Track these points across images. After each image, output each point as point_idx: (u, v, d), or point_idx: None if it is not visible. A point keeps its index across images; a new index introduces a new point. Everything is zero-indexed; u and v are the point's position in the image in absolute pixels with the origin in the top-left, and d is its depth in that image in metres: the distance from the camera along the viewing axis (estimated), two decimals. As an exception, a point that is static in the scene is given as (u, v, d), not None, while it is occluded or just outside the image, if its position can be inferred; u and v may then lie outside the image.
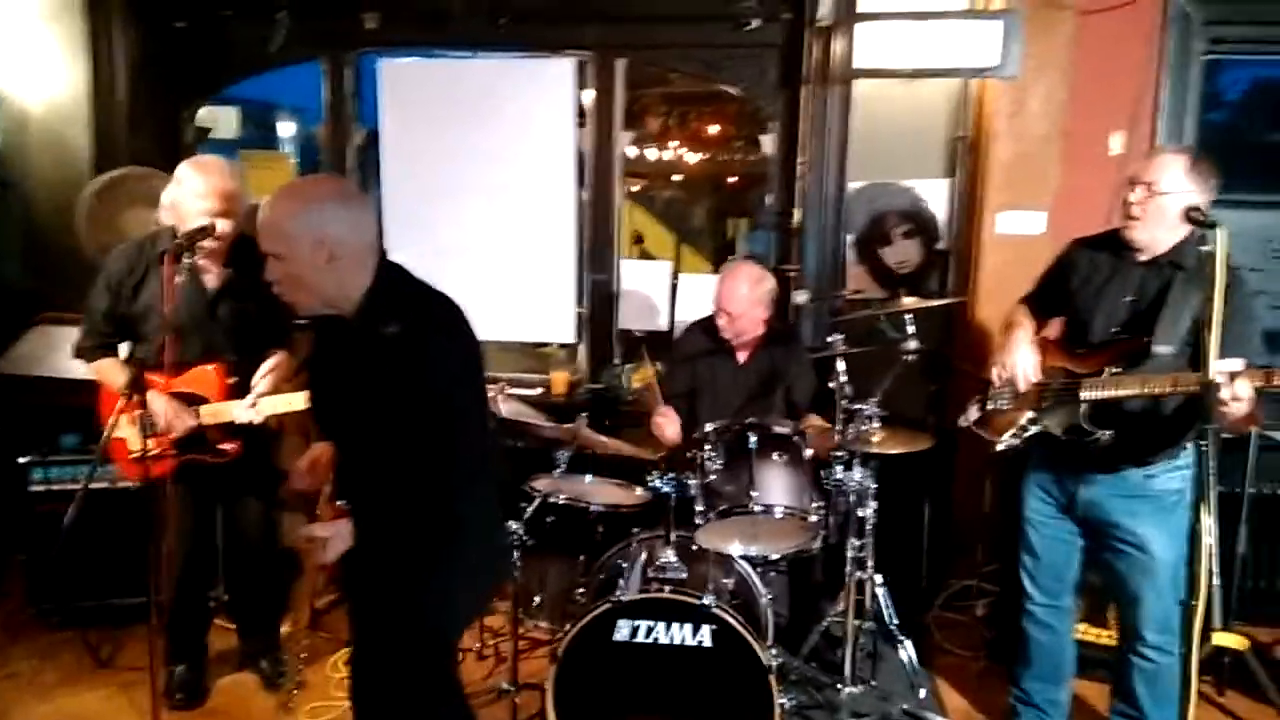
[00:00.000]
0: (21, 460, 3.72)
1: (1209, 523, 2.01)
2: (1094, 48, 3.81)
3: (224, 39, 4.55)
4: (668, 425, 3.45)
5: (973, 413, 3.01)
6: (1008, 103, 3.85)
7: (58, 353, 4.02)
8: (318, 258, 2.04)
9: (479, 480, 2.21)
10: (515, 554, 3.03)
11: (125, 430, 2.91)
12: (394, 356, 2.05)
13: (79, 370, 3.42)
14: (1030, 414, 2.83)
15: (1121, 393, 2.56)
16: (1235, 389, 2.30)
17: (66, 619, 3.72)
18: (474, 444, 2.19)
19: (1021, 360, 2.81)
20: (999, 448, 2.87)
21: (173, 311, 2.62)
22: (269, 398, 3.10)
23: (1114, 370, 2.62)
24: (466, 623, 2.69)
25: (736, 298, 3.43)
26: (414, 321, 2.09)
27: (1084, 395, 2.64)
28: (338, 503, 2.20)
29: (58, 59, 4.39)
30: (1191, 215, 2.45)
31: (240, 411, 3.09)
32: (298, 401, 3.05)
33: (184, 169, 3.00)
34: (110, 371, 3.08)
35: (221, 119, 5.38)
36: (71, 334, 4.05)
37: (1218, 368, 2.18)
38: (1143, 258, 2.68)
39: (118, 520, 3.52)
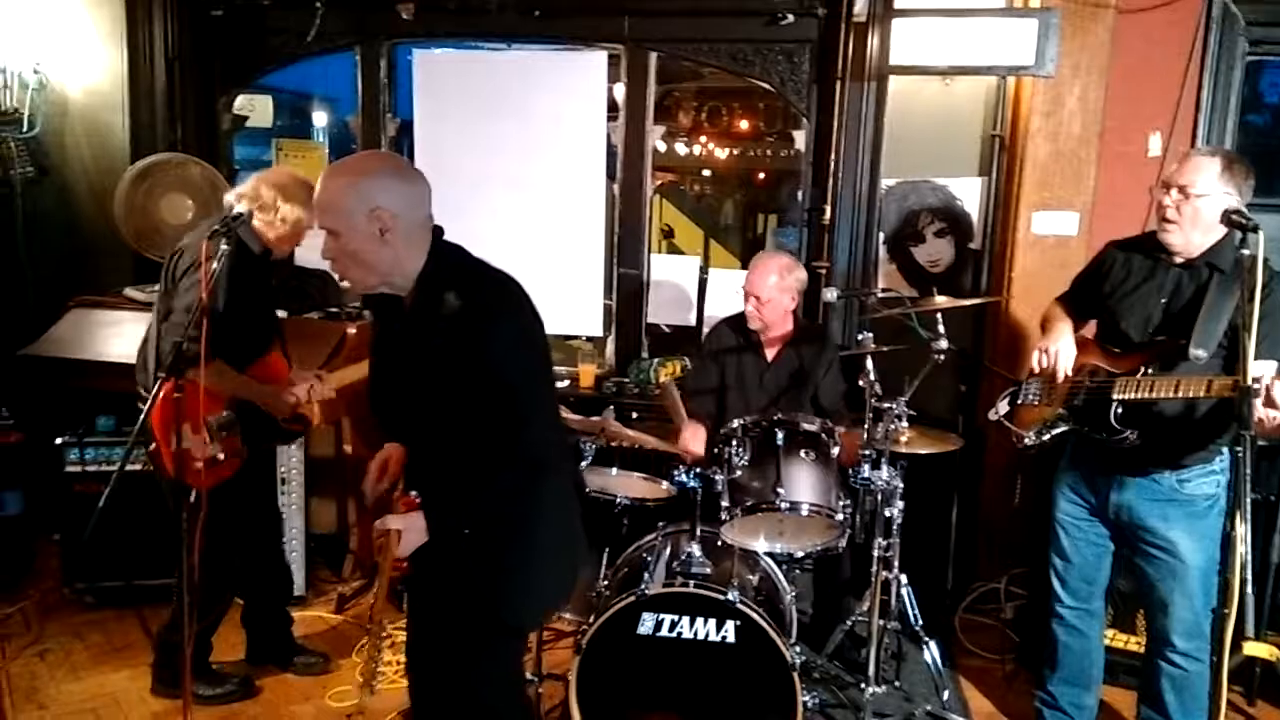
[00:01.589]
0: (58, 441, 3.77)
1: (1243, 530, 1.97)
2: (1133, 47, 3.76)
3: (261, 27, 4.59)
4: (694, 441, 3.45)
5: (1002, 407, 2.99)
6: (1044, 101, 3.81)
7: (93, 336, 4.09)
8: (370, 231, 2.01)
9: (551, 466, 2.14)
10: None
11: (187, 440, 2.89)
12: (452, 334, 2.00)
13: (113, 353, 3.48)
14: (1060, 411, 2.81)
15: (1155, 394, 2.53)
16: (1273, 393, 2.27)
17: (100, 598, 3.79)
18: (543, 428, 2.12)
19: (1062, 349, 2.78)
20: (1026, 443, 2.85)
21: (210, 297, 2.64)
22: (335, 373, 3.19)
23: (1148, 371, 2.59)
24: (545, 615, 2.63)
25: (765, 285, 3.44)
26: (471, 299, 2.04)
27: (1117, 395, 2.61)
28: (410, 495, 2.11)
29: (97, 46, 4.45)
30: (1231, 219, 2.41)
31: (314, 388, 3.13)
32: (357, 372, 3.14)
33: (306, 193, 2.95)
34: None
35: (258, 107, 5.42)
36: (107, 317, 4.16)
37: (1253, 371, 2.15)
38: (1179, 260, 2.65)
39: (152, 502, 3.56)
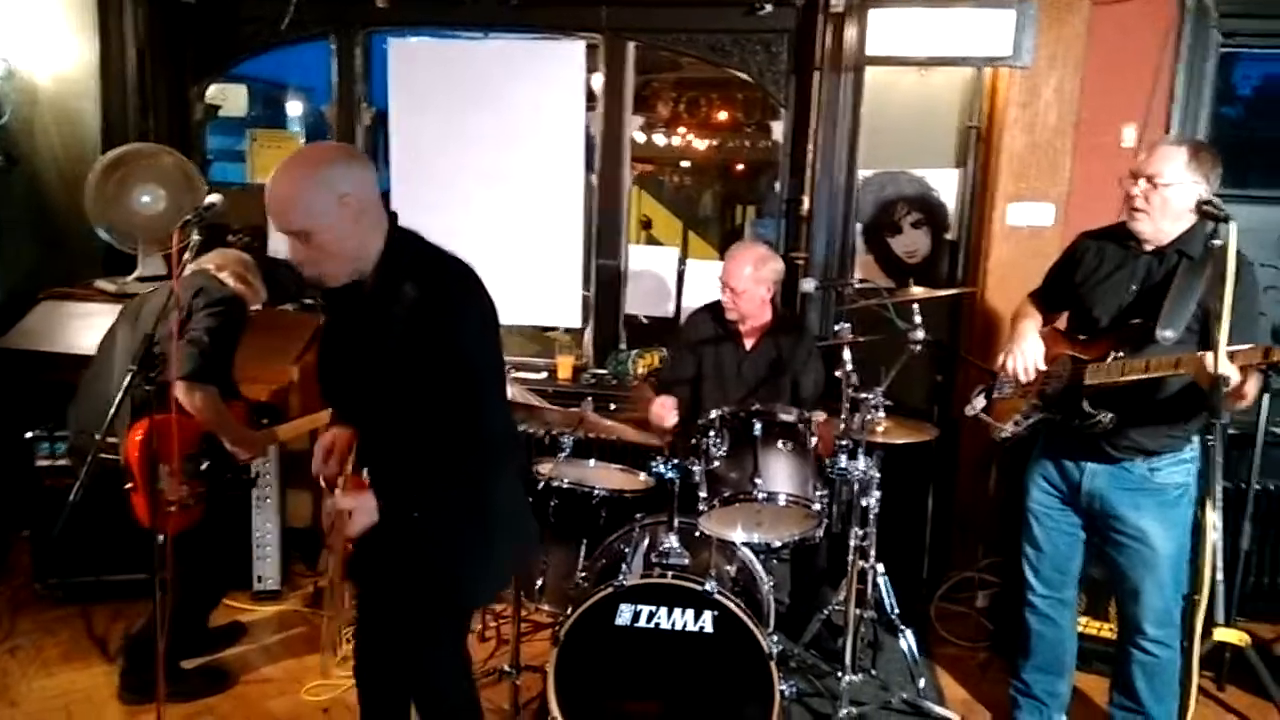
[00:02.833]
0: (28, 435, 3.72)
1: (1214, 518, 2.00)
2: (1108, 38, 3.79)
3: (234, 15, 4.54)
4: (668, 414, 3.45)
5: (978, 402, 3.01)
6: (1020, 93, 3.83)
7: (64, 328, 4.04)
8: (343, 218, 2.01)
9: (505, 448, 2.22)
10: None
11: (163, 481, 2.89)
12: (417, 321, 2.03)
13: (85, 345, 3.44)
14: (1034, 401, 2.83)
15: (1126, 377, 2.55)
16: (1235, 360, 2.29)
17: (70, 594, 3.74)
18: (500, 414, 2.20)
19: (1028, 349, 2.81)
20: (1002, 435, 2.88)
21: (181, 288, 2.61)
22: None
23: (1118, 355, 2.61)
24: (493, 593, 2.70)
25: (740, 275, 3.44)
26: (437, 286, 2.07)
27: (1088, 380, 2.63)
28: (359, 475, 2.17)
29: (66, 33, 4.38)
30: (1204, 209, 2.44)
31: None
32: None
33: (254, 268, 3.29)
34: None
35: (231, 97, 5.36)
36: (79, 309, 4.10)
37: (1225, 352, 2.17)
38: (1149, 248, 2.67)
39: (123, 497, 3.53)
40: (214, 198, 2.90)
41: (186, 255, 2.67)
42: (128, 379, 2.60)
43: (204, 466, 3.08)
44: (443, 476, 2.09)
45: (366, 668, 2.46)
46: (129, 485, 2.92)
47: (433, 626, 2.26)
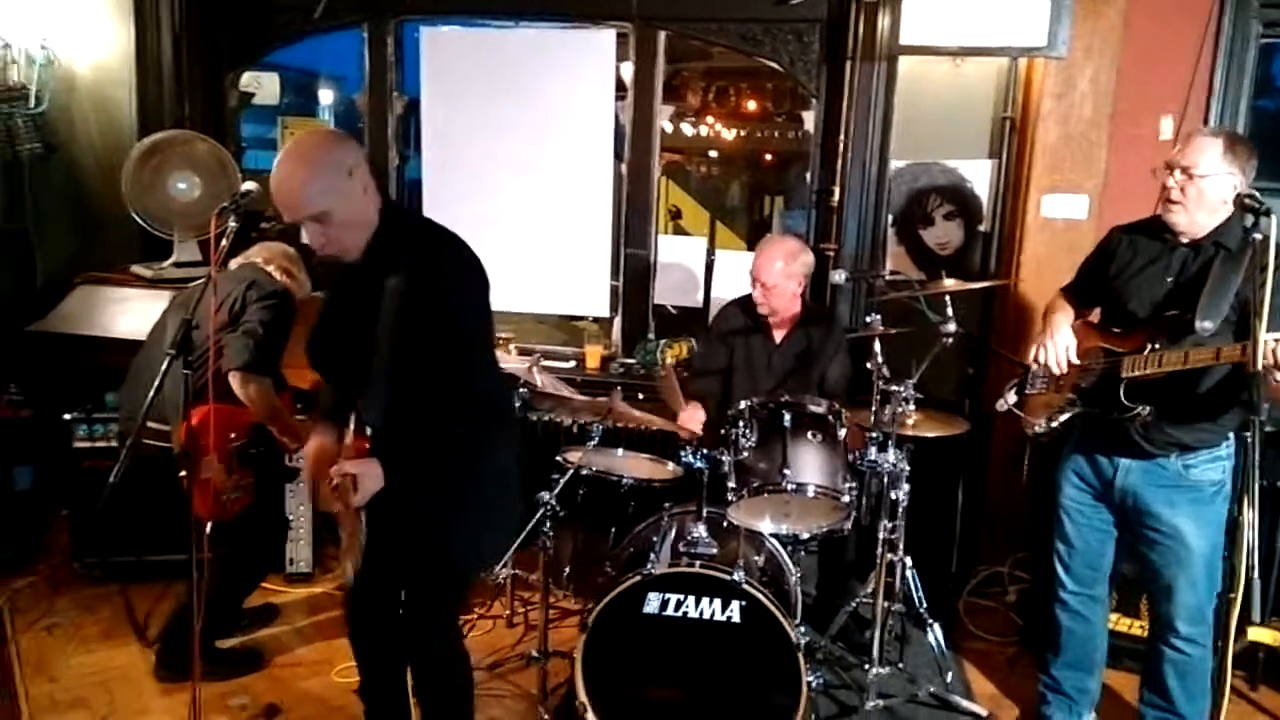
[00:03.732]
0: (66, 417, 3.78)
1: (1251, 515, 1.97)
2: (1145, 29, 3.73)
3: (268, 4, 4.57)
4: (693, 420, 3.48)
5: (1010, 397, 2.99)
6: (1055, 83, 3.78)
7: (101, 312, 4.10)
8: (354, 190, 2.14)
9: (497, 415, 2.32)
10: (547, 523, 3.07)
11: (209, 470, 2.96)
12: (411, 284, 2.14)
13: (121, 329, 3.47)
14: (1069, 396, 2.80)
15: (1164, 368, 2.52)
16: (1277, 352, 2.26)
17: (109, 573, 3.81)
18: (495, 381, 2.32)
19: (1060, 340, 2.78)
20: (1036, 430, 2.86)
21: (218, 271, 2.64)
22: None
23: (1155, 346, 2.58)
24: (490, 563, 2.81)
25: (771, 270, 3.43)
26: (427, 252, 2.19)
27: (1125, 372, 2.60)
28: (362, 436, 2.27)
29: (104, 21, 4.43)
30: (1245, 202, 2.40)
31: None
32: None
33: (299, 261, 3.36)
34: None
35: (264, 85, 5.40)
36: (115, 293, 4.16)
37: (1265, 340, 2.14)
38: (1185, 240, 2.64)
39: (161, 477, 3.58)
40: (250, 185, 2.92)
41: (224, 242, 2.70)
42: (165, 364, 2.64)
43: (252, 455, 3.14)
44: (438, 441, 2.18)
45: (362, 630, 2.54)
46: (183, 473, 2.95)
47: (430, 592, 2.36)
